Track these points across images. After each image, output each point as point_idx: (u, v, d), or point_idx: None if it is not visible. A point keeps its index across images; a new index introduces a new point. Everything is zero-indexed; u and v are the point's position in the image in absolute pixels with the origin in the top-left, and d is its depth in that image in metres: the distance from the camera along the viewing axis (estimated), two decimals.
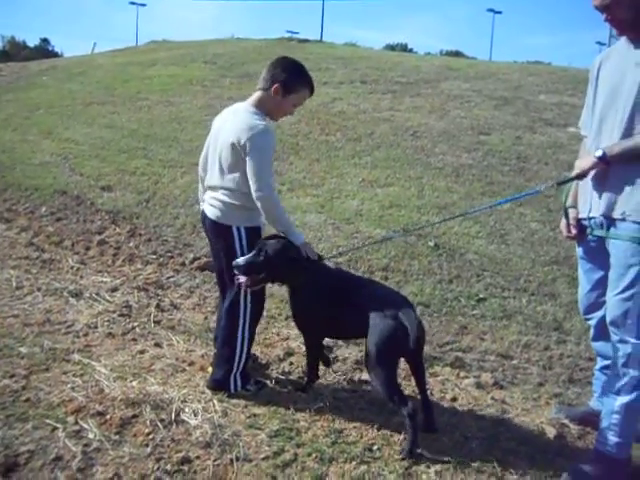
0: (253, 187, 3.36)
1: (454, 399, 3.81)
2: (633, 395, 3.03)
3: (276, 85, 3.47)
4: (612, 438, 3.07)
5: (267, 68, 3.56)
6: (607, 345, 3.28)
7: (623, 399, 3.04)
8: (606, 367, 3.43)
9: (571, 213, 3.43)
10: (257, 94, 3.56)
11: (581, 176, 3.21)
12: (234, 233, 3.51)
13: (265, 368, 3.97)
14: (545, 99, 11.97)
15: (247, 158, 3.36)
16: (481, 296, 5.27)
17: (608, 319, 3.11)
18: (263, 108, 3.53)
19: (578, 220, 3.37)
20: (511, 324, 4.92)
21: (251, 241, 3.52)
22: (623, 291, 3.02)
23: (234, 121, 3.48)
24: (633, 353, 3.01)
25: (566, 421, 3.61)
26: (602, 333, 3.36)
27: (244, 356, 3.58)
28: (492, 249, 6.19)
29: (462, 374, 4.17)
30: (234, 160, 3.42)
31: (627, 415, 3.04)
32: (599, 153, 3.06)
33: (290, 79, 3.50)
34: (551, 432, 3.48)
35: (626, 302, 3.01)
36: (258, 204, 3.38)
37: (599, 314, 3.37)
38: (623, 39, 3.19)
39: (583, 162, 3.20)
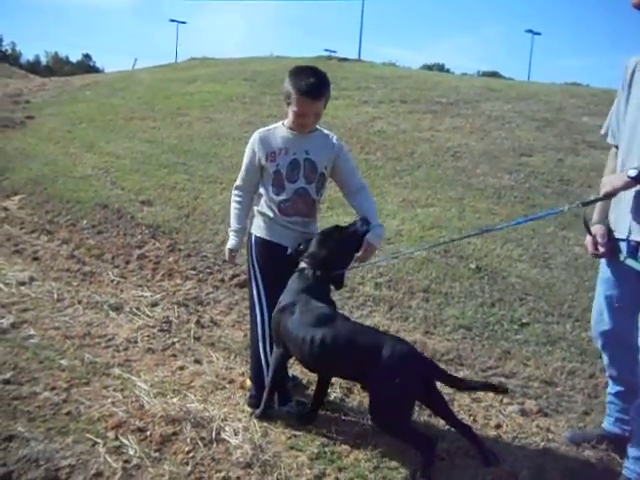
0: None
1: (498, 426, 3.72)
2: None
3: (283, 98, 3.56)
4: None
5: None
6: (620, 369, 3.28)
7: None
8: (621, 392, 3.40)
9: (598, 230, 3.26)
10: None
11: (610, 195, 3.05)
12: (250, 240, 3.63)
13: (306, 389, 3.91)
14: (588, 121, 11.79)
15: None
16: (524, 321, 5.17)
17: None
18: (289, 120, 3.54)
19: (609, 237, 3.22)
20: (555, 350, 4.80)
21: (261, 254, 3.54)
22: None
23: None
24: None
25: (609, 452, 3.50)
26: (615, 357, 3.34)
27: (272, 373, 3.48)
28: (535, 273, 6.08)
29: (506, 400, 4.07)
30: None
31: None
32: (633, 173, 2.86)
33: (285, 88, 3.51)
34: (598, 463, 3.38)
35: None
36: None
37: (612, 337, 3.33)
38: None
39: (614, 180, 3.01)
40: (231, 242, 3.62)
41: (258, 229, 3.57)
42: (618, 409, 3.49)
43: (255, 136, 3.56)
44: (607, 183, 3.05)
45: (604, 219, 3.30)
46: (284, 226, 3.52)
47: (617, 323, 3.29)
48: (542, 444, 3.56)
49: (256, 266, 3.55)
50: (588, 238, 3.33)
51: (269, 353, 3.50)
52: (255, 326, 3.55)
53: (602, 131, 3.44)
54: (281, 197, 3.48)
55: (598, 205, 3.34)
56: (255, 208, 3.62)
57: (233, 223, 3.64)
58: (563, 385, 4.36)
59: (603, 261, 3.35)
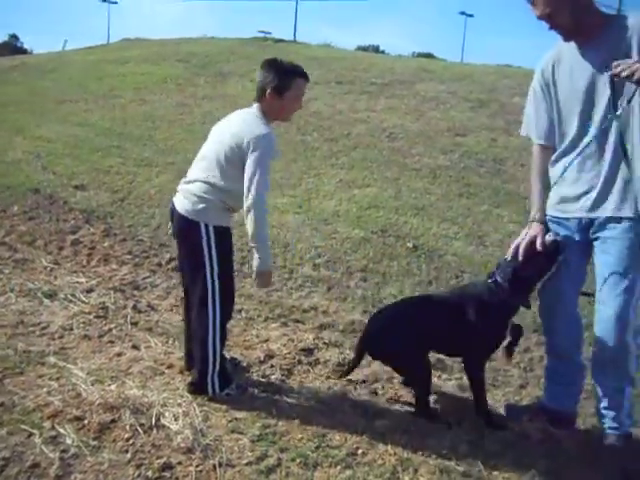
0: (247, 190, 3.30)
1: (437, 401, 3.77)
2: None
3: (268, 91, 3.43)
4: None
5: (257, 80, 3.54)
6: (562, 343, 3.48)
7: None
8: (559, 367, 3.54)
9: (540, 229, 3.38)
10: (256, 105, 3.50)
11: None
12: (202, 231, 3.42)
13: (246, 371, 3.90)
14: (520, 101, 11.96)
15: (248, 161, 3.31)
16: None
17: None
18: (268, 114, 3.48)
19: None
20: None
21: (219, 241, 3.45)
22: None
23: (239, 123, 3.46)
24: None
25: (545, 424, 3.58)
26: (558, 331, 3.48)
27: (218, 357, 3.49)
28: (470, 250, 6.19)
29: (444, 376, 4.14)
30: (229, 159, 3.37)
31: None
32: None
33: (278, 80, 3.42)
34: (535, 435, 3.46)
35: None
36: (247, 208, 3.32)
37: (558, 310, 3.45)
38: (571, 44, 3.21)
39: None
40: (270, 261, 3.52)
41: (217, 219, 3.45)
42: (555, 383, 3.59)
43: (274, 140, 3.41)
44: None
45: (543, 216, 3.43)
46: (231, 210, 3.54)
47: (563, 295, 3.41)
48: (480, 418, 3.62)
49: (214, 257, 3.43)
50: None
51: (218, 343, 3.46)
52: (206, 316, 3.46)
53: (523, 132, 3.57)
54: None
55: (539, 201, 3.45)
56: (215, 200, 3.41)
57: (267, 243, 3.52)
58: (499, 359, 4.45)
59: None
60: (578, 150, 3.24)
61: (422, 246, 6.16)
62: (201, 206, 3.40)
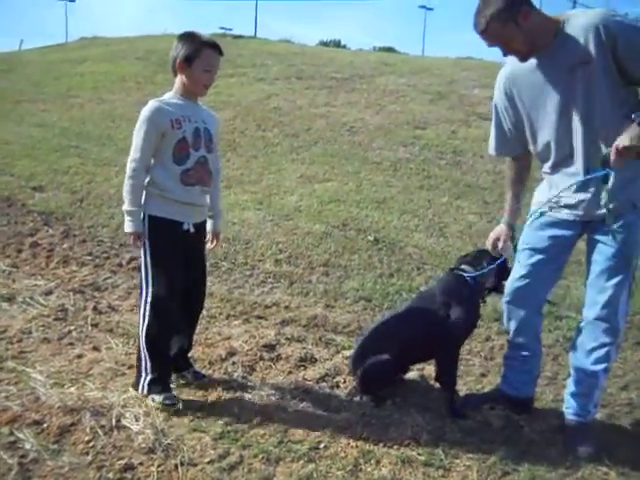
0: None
1: (395, 394, 3.79)
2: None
3: (178, 61, 3.36)
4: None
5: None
6: (523, 330, 3.54)
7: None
8: (519, 355, 3.60)
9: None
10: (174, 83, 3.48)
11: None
12: (145, 221, 3.38)
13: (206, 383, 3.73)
14: (479, 93, 12.12)
15: None
16: (422, 289, 5.29)
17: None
18: (182, 89, 3.42)
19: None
20: None
21: (155, 234, 3.36)
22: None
23: None
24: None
25: (506, 411, 3.63)
26: (520, 317, 3.52)
27: (148, 364, 3.40)
28: (431, 242, 6.24)
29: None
30: None
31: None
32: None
33: (184, 49, 3.35)
34: (496, 422, 3.50)
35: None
36: None
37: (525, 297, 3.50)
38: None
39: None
40: (136, 224, 3.34)
41: (154, 209, 3.36)
42: (514, 371, 3.64)
43: (154, 104, 3.33)
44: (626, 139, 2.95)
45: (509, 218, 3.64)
46: (178, 201, 3.36)
47: (533, 294, 3.48)
48: (442, 408, 3.66)
49: (148, 251, 3.36)
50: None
51: (146, 350, 3.38)
52: (139, 317, 3.41)
53: (492, 152, 3.64)
54: (183, 166, 3.34)
55: (508, 206, 3.66)
56: (148, 187, 3.38)
57: (135, 203, 3.35)
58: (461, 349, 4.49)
59: (527, 225, 3.51)
60: (559, 154, 3.26)
61: (383, 239, 6.20)
62: (143, 194, 3.39)
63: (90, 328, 4.36)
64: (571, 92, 3.10)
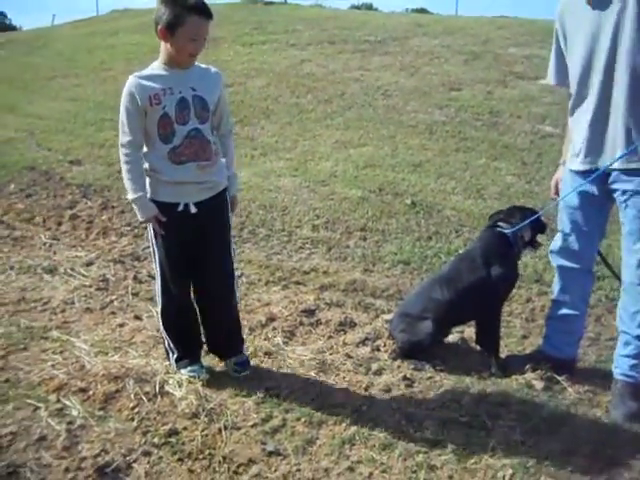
0: None
1: (436, 356, 3.78)
2: None
3: (159, 27, 2.99)
4: None
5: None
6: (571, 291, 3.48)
7: None
8: (564, 315, 3.53)
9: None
10: None
11: None
12: None
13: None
14: (515, 52, 11.88)
15: None
16: (461, 252, 5.24)
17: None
18: (166, 58, 3.09)
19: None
20: None
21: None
22: None
23: None
24: None
25: (547, 373, 3.58)
26: (569, 279, 3.48)
27: (169, 342, 3.39)
28: (469, 204, 6.17)
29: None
30: None
31: None
32: None
33: (166, 14, 2.96)
34: (539, 384, 3.47)
35: None
36: None
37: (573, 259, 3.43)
38: None
39: None
40: (145, 210, 3.13)
41: (152, 192, 3.17)
42: (557, 331, 3.60)
43: (132, 80, 3.05)
44: None
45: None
46: (170, 181, 3.12)
47: (581, 246, 3.39)
48: (484, 370, 3.63)
49: (150, 233, 3.25)
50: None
51: (163, 328, 3.37)
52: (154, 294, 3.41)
53: (552, 82, 3.45)
54: (170, 144, 3.07)
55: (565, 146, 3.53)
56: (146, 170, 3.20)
57: (138, 189, 3.11)
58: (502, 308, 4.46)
59: (567, 188, 3.40)
60: (586, 100, 3.17)
61: (420, 202, 6.15)
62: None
63: (131, 297, 4.41)
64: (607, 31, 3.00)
